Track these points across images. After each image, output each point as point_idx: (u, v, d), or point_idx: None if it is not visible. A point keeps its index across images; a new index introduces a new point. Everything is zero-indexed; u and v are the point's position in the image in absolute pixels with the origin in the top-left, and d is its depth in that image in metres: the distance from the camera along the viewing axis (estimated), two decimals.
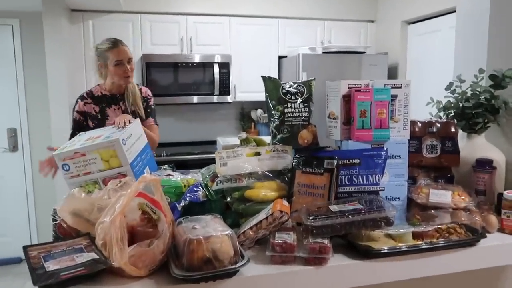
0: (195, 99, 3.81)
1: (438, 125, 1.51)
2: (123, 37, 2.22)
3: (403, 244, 1.15)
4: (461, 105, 1.58)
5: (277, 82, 1.44)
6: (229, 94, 3.86)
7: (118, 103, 2.23)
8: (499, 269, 1.48)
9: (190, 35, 3.79)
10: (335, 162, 1.27)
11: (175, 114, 4.15)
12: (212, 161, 1.37)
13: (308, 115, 1.41)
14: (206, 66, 3.77)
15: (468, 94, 1.59)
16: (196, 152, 3.76)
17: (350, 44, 4.06)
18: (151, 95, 2.35)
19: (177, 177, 1.43)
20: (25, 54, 3.77)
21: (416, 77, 3.69)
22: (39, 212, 3.91)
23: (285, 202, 1.21)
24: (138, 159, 1.54)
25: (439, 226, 1.22)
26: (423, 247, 1.15)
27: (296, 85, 1.44)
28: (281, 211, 1.13)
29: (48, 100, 3.34)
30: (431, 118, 1.61)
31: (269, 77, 1.45)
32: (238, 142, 1.59)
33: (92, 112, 2.20)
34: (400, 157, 1.36)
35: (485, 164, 1.47)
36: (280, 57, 4.04)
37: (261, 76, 1.46)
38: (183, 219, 1.09)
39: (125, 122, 1.72)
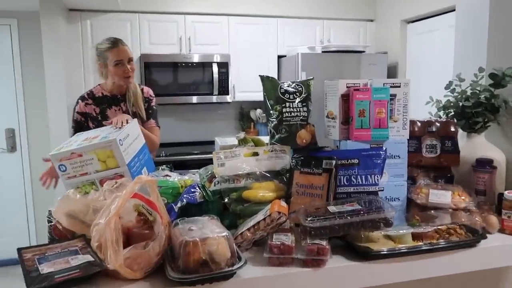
0: (194, 99, 3.79)
1: (438, 124, 1.49)
2: (121, 36, 2.20)
3: (403, 245, 1.13)
4: (460, 104, 1.57)
5: (275, 82, 1.43)
6: (228, 94, 3.85)
7: (119, 104, 2.21)
8: (499, 270, 1.47)
9: (189, 34, 3.78)
10: (334, 162, 1.25)
11: (174, 114, 4.13)
12: (212, 161, 1.36)
13: (306, 115, 1.39)
14: (205, 65, 3.76)
15: (468, 93, 1.58)
16: (196, 152, 3.75)
17: (349, 43, 4.05)
18: (153, 96, 2.31)
19: (175, 177, 1.42)
20: (23, 54, 3.76)
21: (416, 76, 3.67)
22: (38, 212, 3.90)
23: (283, 203, 1.19)
24: (135, 160, 1.52)
25: (439, 227, 1.20)
26: (423, 248, 1.13)
27: (294, 84, 1.42)
28: (279, 212, 1.12)
29: (46, 100, 3.32)
30: (430, 118, 1.60)
31: (267, 77, 1.44)
32: (236, 142, 1.58)
33: (93, 113, 2.18)
34: (399, 157, 1.35)
35: (485, 164, 1.45)
36: (279, 57, 4.03)
37: (259, 75, 1.45)
38: (179, 220, 1.08)
39: (122, 122, 1.70)
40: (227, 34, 3.88)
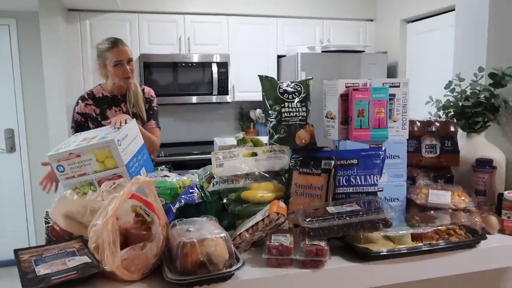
0: (194, 99, 3.79)
1: (437, 124, 1.49)
2: (120, 36, 2.18)
3: (402, 246, 1.12)
4: (460, 104, 1.56)
5: (274, 82, 1.42)
6: (227, 94, 3.84)
7: (120, 104, 2.19)
8: (499, 271, 1.46)
9: (188, 34, 3.77)
10: (333, 162, 1.25)
11: (174, 114, 4.13)
12: (211, 161, 1.35)
13: (305, 115, 1.39)
14: (204, 65, 3.75)
15: (468, 93, 1.57)
16: (196, 152, 3.74)
17: (349, 43, 4.04)
18: (154, 96, 2.30)
19: (173, 178, 1.41)
20: (22, 54, 3.75)
21: (416, 76, 3.67)
22: (37, 213, 3.90)
23: (282, 204, 1.19)
24: (134, 160, 1.52)
25: (438, 228, 1.20)
26: (422, 249, 1.13)
27: (293, 84, 1.42)
28: (278, 213, 1.11)
29: (45, 100, 3.32)
30: (430, 117, 1.59)
31: (266, 77, 1.44)
32: (235, 142, 1.57)
33: (93, 114, 2.17)
34: (398, 157, 1.34)
35: (485, 164, 1.45)
36: (279, 57, 4.02)
37: (258, 75, 1.44)
38: (177, 221, 1.07)
39: (121, 122, 1.70)
40: (227, 34, 3.87)
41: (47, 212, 1.18)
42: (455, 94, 1.61)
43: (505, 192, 1.31)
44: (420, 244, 1.14)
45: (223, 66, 3.78)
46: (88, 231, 1.01)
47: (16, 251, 1.05)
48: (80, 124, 2.16)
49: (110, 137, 1.42)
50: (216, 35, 3.85)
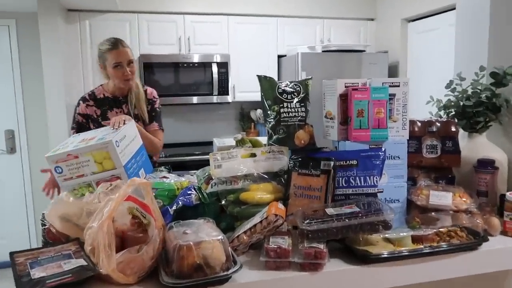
0: (194, 99, 3.77)
1: (438, 124, 1.47)
2: (120, 37, 2.15)
3: (402, 248, 1.11)
4: (461, 103, 1.55)
5: (273, 82, 1.41)
6: (228, 94, 3.83)
7: (121, 106, 2.16)
8: (502, 273, 1.44)
9: (188, 34, 3.76)
10: (332, 163, 1.23)
11: (174, 115, 4.12)
12: None
13: (304, 115, 1.37)
14: (204, 66, 3.74)
15: (469, 93, 1.55)
16: (196, 153, 3.73)
17: (350, 42, 4.02)
18: (157, 97, 2.26)
19: (172, 179, 1.40)
20: (22, 55, 3.75)
21: (417, 75, 3.65)
22: (38, 214, 3.89)
23: (281, 205, 1.17)
24: (132, 161, 1.50)
25: (439, 230, 1.18)
26: (423, 251, 1.11)
27: (292, 84, 1.40)
28: (276, 215, 1.10)
29: (45, 101, 3.31)
30: (431, 117, 1.57)
31: (265, 77, 1.42)
32: (234, 143, 1.56)
33: (94, 115, 2.14)
34: (399, 157, 1.33)
35: (486, 164, 1.43)
36: (279, 56, 4.01)
37: (257, 75, 1.43)
38: (174, 223, 1.06)
39: (119, 123, 1.68)
40: (227, 34, 3.86)
41: (43, 214, 1.17)
42: (456, 93, 1.60)
43: (507, 193, 1.29)
44: (421, 246, 1.13)
45: (224, 66, 3.77)
46: (84, 234, 1.00)
47: (11, 254, 1.04)
48: (81, 125, 2.14)
49: (108, 138, 1.41)
50: (216, 35, 3.83)
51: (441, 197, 1.28)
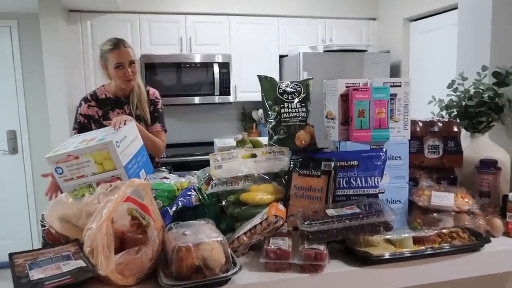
0: (196, 99, 3.77)
1: (440, 124, 1.46)
2: (121, 37, 2.14)
3: (403, 249, 1.10)
4: (463, 103, 1.54)
5: (273, 82, 1.40)
6: (229, 94, 3.82)
7: (123, 106, 2.15)
8: (504, 275, 1.43)
9: (190, 35, 3.75)
10: (333, 164, 1.22)
11: (176, 115, 4.11)
12: None
13: (305, 115, 1.36)
14: (206, 66, 3.73)
15: (471, 92, 1.54)
16: (198, 153, 3.73)
17: (352, 42, 4.01)
18: (160, 98, 2.25)
19: (172, 180, 1.40)
20: (24, 55, 3.76)
21: (419, 75, 3.63)
22: (40, 214, 3.88)
23: (281, 206, 1.17)
24: (133, 162, 1.50)
25: (441, 231, 1.17)
26: (424, 253, 1.10)
27: (293, 84, 1.40)
28: (276, 216, 1.09)
29: (47, 101, 3.31)
30: (433, 117, 1.56)
31: (265, 77, 1.42)
32: (234, 143, 1.55)
33: (95, 116, 2.14)
34: (400, 158, 1.32)
35: (489, 165, 1.42)
36: (281, 56, 4.00)
37: (257, 75, 1.42)
38: (173, 224, 1.05)
39: (120, 123, 1.67)
40: (228, 34, 3.85)
41: (43, 215, 1.17)
42: (458, 93, 1.59)
43: (510, 194, 1.28)
44: (422, 248, 1.12)
45: (225, 66, 3.77)
46: (83, 235, 1.00)
47: (10, 255, 1.03)
48: (83, 126, 2.13)
49: (108, 139, 1.40)
50: (218, 35, 3.83)
51: (443, 198, 1.27)
